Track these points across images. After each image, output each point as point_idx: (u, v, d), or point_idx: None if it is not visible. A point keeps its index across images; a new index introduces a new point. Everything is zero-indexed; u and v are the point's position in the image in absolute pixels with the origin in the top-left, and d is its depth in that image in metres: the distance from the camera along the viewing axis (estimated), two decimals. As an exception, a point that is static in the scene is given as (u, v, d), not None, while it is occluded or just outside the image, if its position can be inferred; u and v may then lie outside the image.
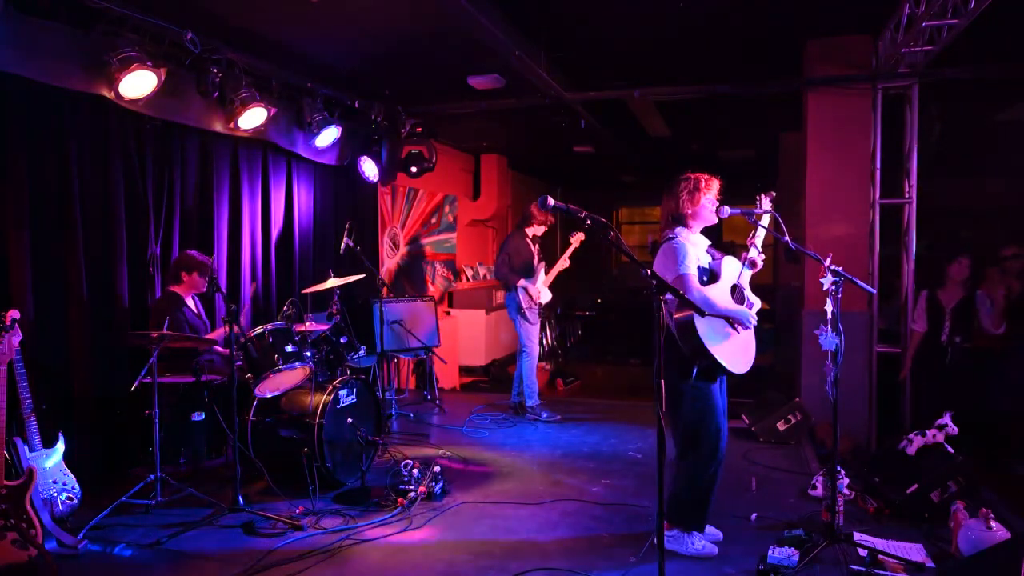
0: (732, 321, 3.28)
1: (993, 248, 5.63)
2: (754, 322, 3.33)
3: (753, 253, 3.41)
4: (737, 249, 3.52)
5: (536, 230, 6.25)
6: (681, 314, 3.15)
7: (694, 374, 3.21)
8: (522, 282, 6.09)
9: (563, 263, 6.27)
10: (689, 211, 3.35)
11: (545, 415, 6.09)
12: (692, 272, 3.22)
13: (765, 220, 3.45)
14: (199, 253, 4.51)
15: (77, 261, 4.12)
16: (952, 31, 4.43)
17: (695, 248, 3.33)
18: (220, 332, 4.39)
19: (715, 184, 3.38)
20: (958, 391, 5.01)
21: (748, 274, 3.41)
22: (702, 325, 3.14)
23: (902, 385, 5.51)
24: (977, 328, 5.11)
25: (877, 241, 5.67)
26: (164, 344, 3.82)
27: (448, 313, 8.82)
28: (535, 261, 6.22)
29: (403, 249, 8.10)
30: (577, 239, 6.11)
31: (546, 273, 6.26)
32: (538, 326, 6.25)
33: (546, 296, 6.26)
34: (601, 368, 10.08)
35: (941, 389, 5.09)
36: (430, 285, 8.67)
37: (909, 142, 5.57)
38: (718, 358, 3.15)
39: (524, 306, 6.10)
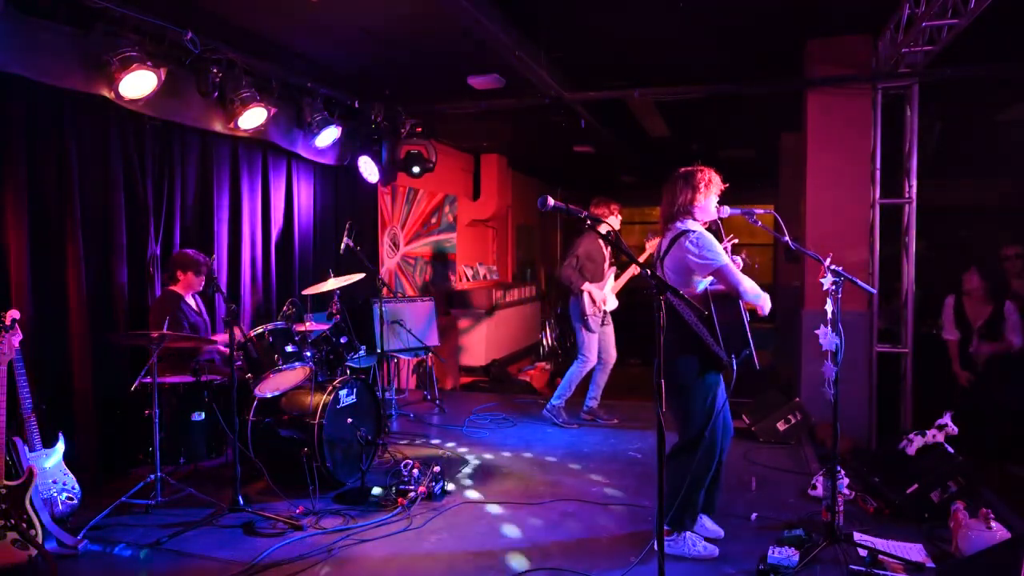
0: (751, 309, 3.31)
1: (994, 248, 5.63)
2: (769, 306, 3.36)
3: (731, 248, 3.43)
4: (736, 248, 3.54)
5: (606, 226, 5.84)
6: (726, 307, 3.13)
7: (735, 364, 3.17)
8: (586, 286, 5.73)
9: (635, 269, 5.87)
10: (700, 204, 3.34)
11: (562, 419, 5.94)
12: (728, 261, 3.20)
13: (729, 215, 3.44)
14: (194, 251, 4.51)
15: (77, 261, 4.11)
16: (952, 31, 4.43)
17: None
18: (221, 336, 4.41)
19: (719, 179, 3.39)
20: (988, 395, 5.02)
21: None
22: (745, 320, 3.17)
23: (959, 395, 5.31)
24: (1002, 337, 5.08)
25: (877, 241, 5.67)
26: (164, 344, 3.82)
27: (448, 313, 8.82)
28: (606, 265, 5.84)
29: (403, 249, 8.10)
30: (653, 244, 5.44)
31: (616, 279, 5.92)
32: (597, 336, 5.85)
33: (612, 303, 5.90)
34: (601, 368, 10.07)
35: (973, 393, 5.11)
36: (430, 285, 8.67)
37: (909, 142, 5.57)
38: (752, 350, 3.18)
39: (588, 313, 5.75)
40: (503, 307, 9.58)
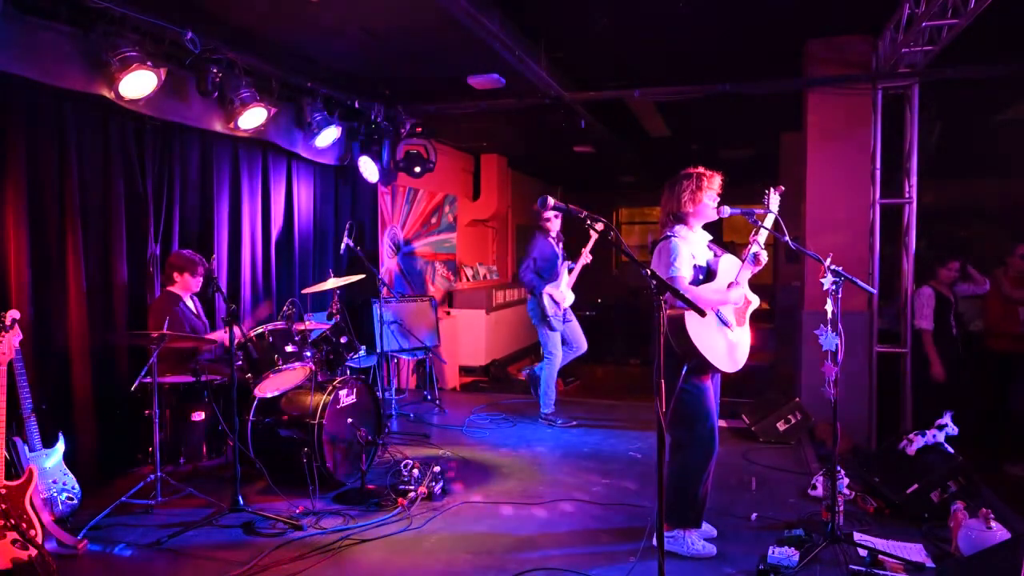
0: (725, 317, 3.30)
1: (991, 248, 5.64)
2: (743, 303, 3.37)
3: (755, 249, 3.39)
4: (737, 248, 3.51)
5: (553, 224, 5.90)
6: (672, 311, 3.15)
7: (684, 371, 3.20)
8: (547, 289, 5.80)
9: (586, 258, 5.97)
10: (690, 210, 3.35)
11: (560, 421, 5.96)
12: (683, 275, 3.22)
13: (769, 221, 3.43)
14: (190, 252, 4.50)
15: (77, 261, 4.12)
16: (952, 31, 4.43)
17: (692, 247, 3.33)
18: (220, 333, 4.39)
19: (716, 180, 3.37)
20: (976, 385, 5.10)
21: (749, 272, 3.39)
22: (693, 324, 3.15)
23: (934, 388, 5.30)
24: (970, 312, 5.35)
25: (877, 241, 5.67)
26: (164, 344, 3.82)
27: (448, 313, 8.82)
28: (559, 262, 5.91)
29: (403, 249, 8.10)
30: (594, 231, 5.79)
31: (569, 273, 5.97)
32: (560, 333, 5.95)
33: (569, 299, 5.96)
34: (601, 368, 10.09)
35: (959, 381, 5.16)
36: (430, 285, 8.67)
37: (909, 142, 5.57)
38: (707, 356, 3.17)
39: (550, 314, 5.81)
40: (503, 307, 9.58)
